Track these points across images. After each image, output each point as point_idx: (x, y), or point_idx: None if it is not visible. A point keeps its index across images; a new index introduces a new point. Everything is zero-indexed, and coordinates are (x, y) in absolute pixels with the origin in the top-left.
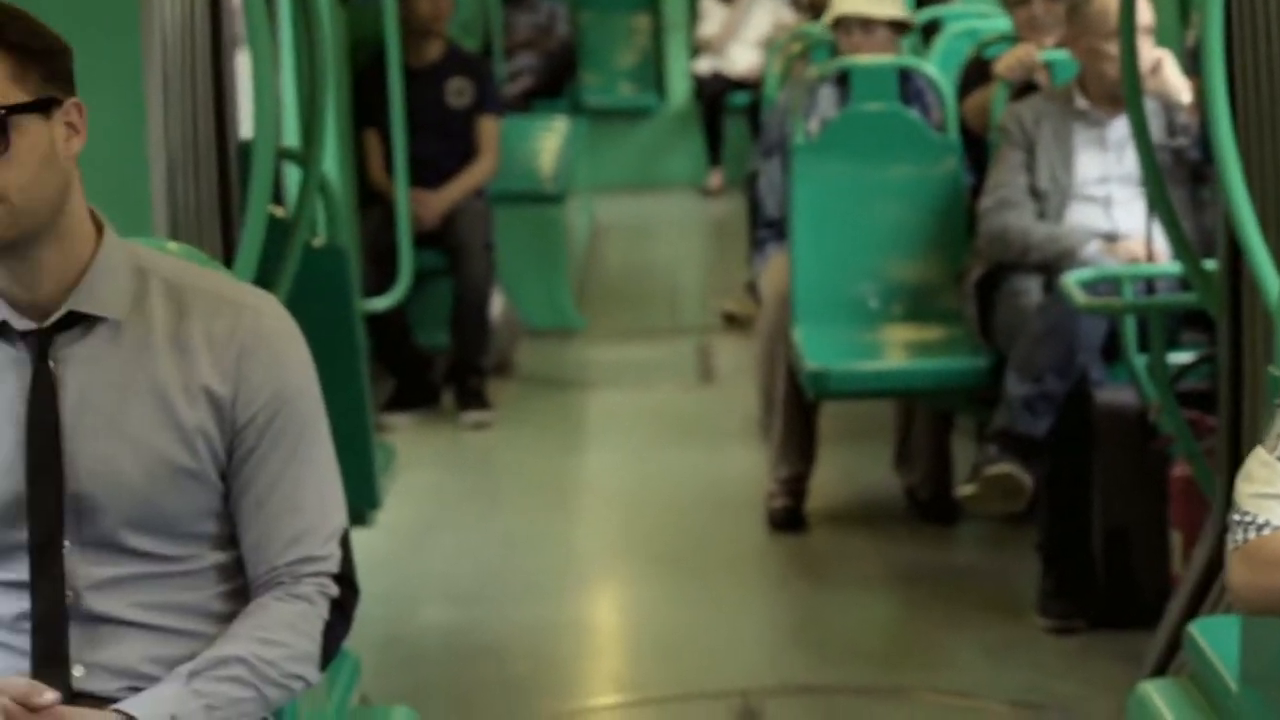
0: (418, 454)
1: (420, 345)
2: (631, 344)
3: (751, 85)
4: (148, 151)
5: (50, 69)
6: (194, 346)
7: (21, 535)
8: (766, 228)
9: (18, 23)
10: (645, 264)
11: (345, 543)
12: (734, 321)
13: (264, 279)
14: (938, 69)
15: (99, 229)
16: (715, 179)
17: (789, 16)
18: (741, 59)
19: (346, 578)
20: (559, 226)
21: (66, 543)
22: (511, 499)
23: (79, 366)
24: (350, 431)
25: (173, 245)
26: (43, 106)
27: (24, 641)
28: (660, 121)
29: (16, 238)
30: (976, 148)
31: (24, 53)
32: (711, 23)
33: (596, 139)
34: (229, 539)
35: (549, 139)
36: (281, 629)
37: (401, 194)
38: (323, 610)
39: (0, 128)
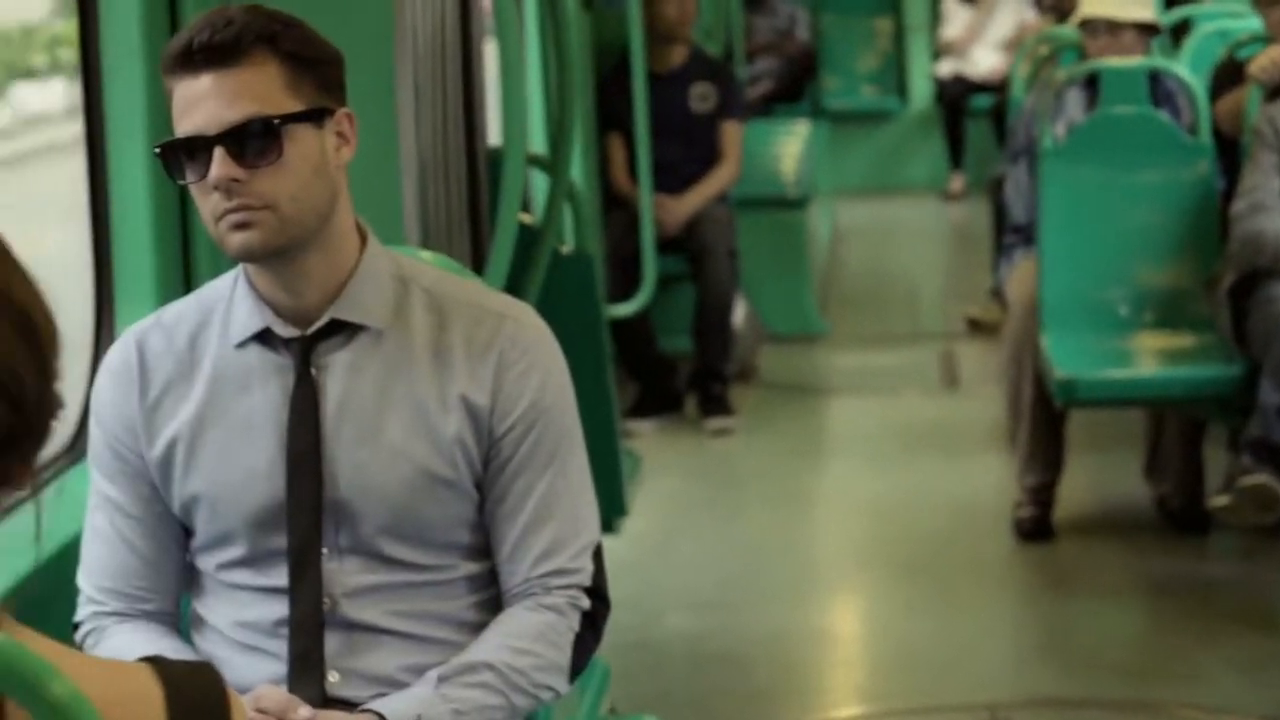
0: (661, 460)
1: (663, 351)
2: (874, 350)
3: (994, 88)
4: (399, 159)
5: (324, 78)
6: (453, 356)
7: (281, 541)
8: (1013, 233)
9: (293, 31)
10: (887, 269)
11: (598, 556)
12: (978, 327)
13: (512, 286)
14: (1189, 70)
15: (363, 238)
16: (956, 183)
17: (1033, 18)
18: (984, 61)
19: (598, 591)
20: (801, 231)
21: (324, 550)
22: (754, 506)
23: (340, 374)
24: (597, 439)
25: (426, 254)
26: (315, 116)
27: (281, 647)
28: (901, 125)
29: (285, 245)
30: (1229, 151)
31: (299, 62)
32: (954, 25)
33: (837, 143)
34: (482, 549)
35: (790, 143)
36: (532, 639)
37: (645, 199)
38: (573, 622)
39: (273, 136)
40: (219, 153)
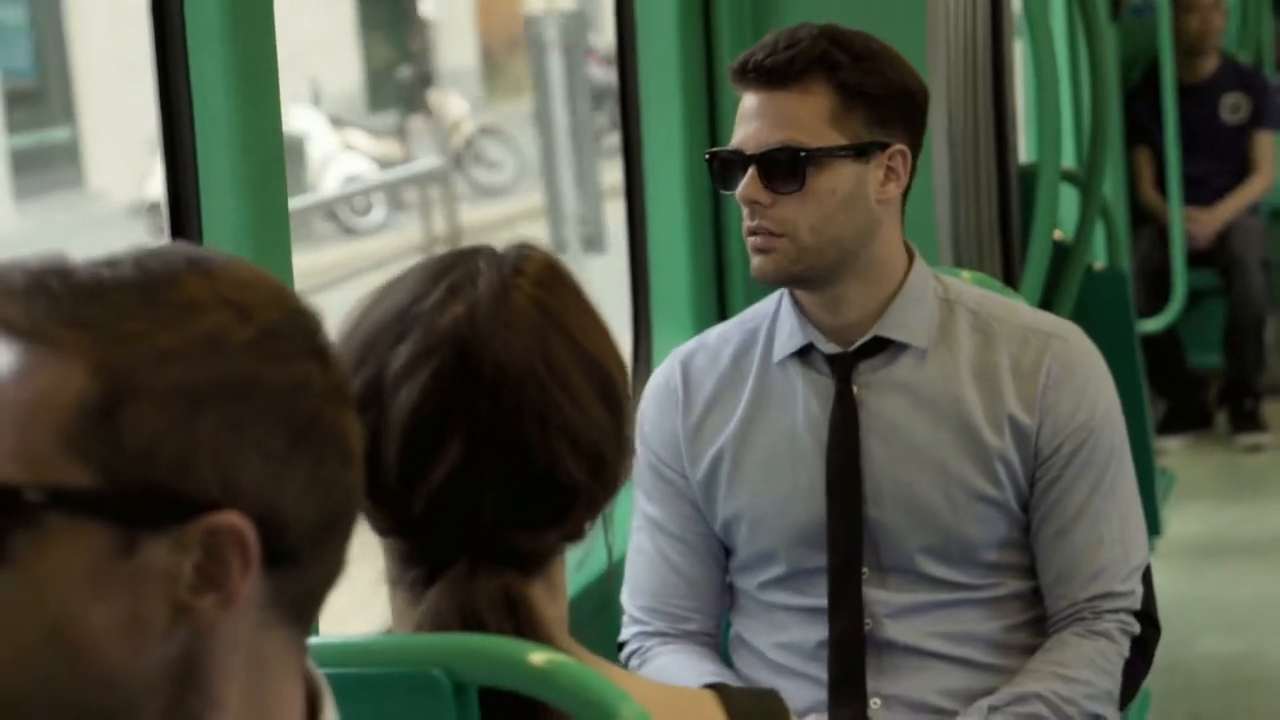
0: (1190, 478)
1: (1193, 367)
2: None
3: None
4: (933, 178)
5: (881, 113)
6: (1000, 376)
7: (821, 560)
8: None
9: (859, 64)
10: None
11: (1147, 578)
12: None
13: (1045, 304)
14: None
15: (910, 258)
16: None
17: None
18: None
19: (1148, 615)
20: None
21: (865, 569)
22: None
23: (882, 392)
24: (1132, 458)
25: (966, 274)
26: (858, 150)
27: (821, 670)
28: None
29: (802, 273)
30: None
31: (854, 95)
32: None
33: None
34: (1026, 569)
35: None
36: (1081, 666)
37: (1174, 213)
38: (1124, 648)
39: (798, 165)
40: (752, 172)
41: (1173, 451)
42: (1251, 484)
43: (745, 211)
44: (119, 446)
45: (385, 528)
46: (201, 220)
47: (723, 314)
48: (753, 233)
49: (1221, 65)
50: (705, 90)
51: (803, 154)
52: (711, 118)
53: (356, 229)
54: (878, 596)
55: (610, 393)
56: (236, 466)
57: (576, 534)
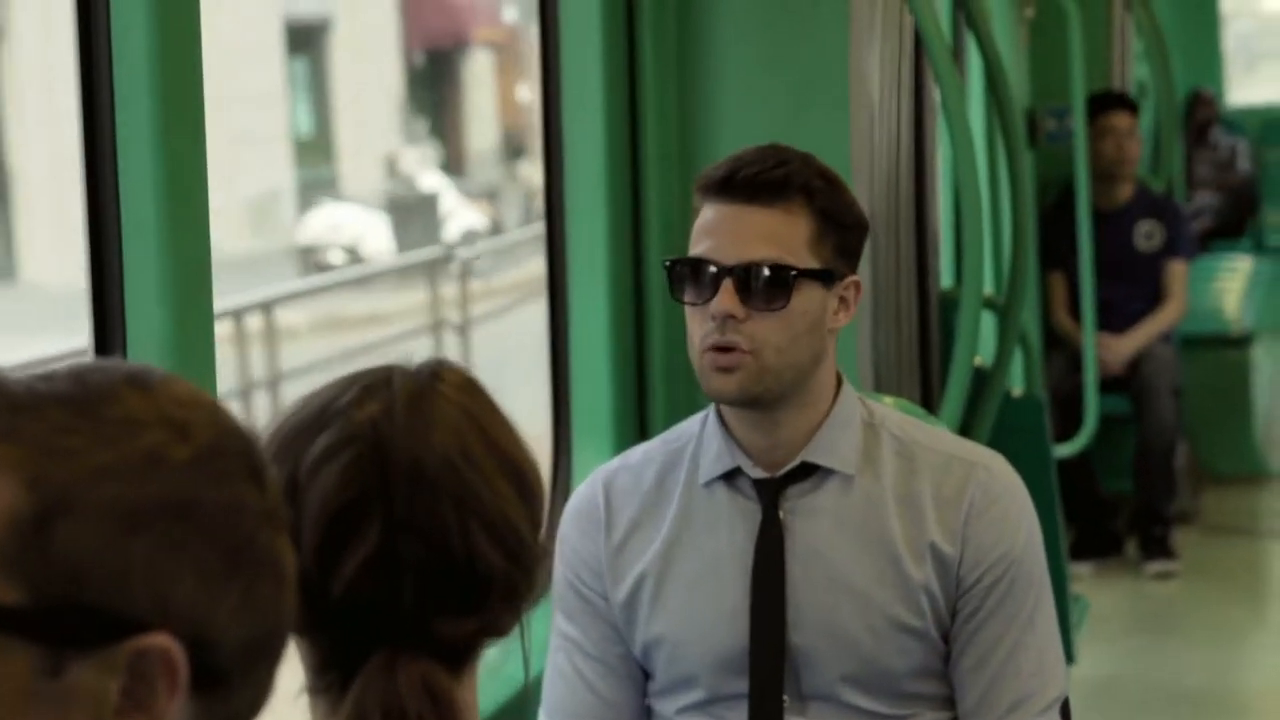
0: (1100, 604)
1: (1104, 492)
2: None
3: None
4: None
5: (844, 242)
6: (923, 504)
7: (741, 686)
8: None
9: (831, 190)
10: None
11: (1065, 711)
12: None
13: (963, 429)
14: None
15: (838, 383)
16: None
17: None
18: None
19: None
20: (1245, 370)
21: (785, 697)
22: (1197, 652)
23: (808, 518)
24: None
25: (889, 399)
26: (826, 276)
27: None
28: None
29: (759, 394)
30: None
31: (827, 221)
32: None
33: None
34: (944, 700)
35: (1233, 280)
36: None
37: (1088, 338)
38: None
39: (785, 284)
40: (728, 285)
41: (1082, 577)
42: (1159, 613)
43: (711, 325)
44: (50, 564)
45: (304, 621)
46: (126, 329)
47: (643, 432)
48: (720, 348)
49: (1136, 192)
50: (630, 205)
51: (794, 273)
52: (636, 234)
53: (471, 272)
54: None
55: (524, 483)
56: (169, 587)
57: (495, 627)
